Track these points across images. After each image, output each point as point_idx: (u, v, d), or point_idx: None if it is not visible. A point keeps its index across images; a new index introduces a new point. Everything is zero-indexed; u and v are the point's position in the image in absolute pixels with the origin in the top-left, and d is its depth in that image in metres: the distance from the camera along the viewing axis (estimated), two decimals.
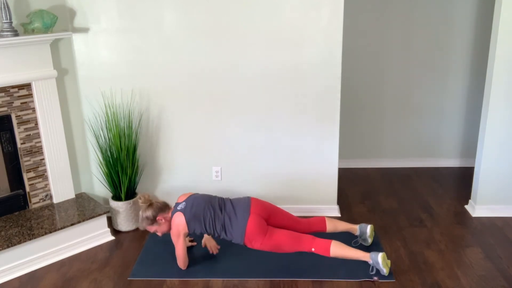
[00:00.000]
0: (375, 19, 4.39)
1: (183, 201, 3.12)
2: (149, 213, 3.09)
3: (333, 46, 3.45)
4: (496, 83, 3.48)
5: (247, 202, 3.07)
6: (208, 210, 3.03)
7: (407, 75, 4.54)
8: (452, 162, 4.80)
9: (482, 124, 3.66)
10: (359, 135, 4.74)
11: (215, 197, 3.17)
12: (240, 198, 3.16)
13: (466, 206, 3.94)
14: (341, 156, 4.44)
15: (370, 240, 3.31)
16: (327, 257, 2.98)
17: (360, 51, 4.47)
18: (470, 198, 3.95)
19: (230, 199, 3.15)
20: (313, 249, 2.96)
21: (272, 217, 3.09)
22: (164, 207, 3.14)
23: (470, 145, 4.71)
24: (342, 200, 4.10)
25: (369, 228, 3.28)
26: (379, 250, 3.27)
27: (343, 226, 3.31)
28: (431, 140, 4.74)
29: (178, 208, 3.08)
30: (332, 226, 3.25)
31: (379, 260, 2.95)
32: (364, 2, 4.35)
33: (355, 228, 3.32)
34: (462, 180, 4.48)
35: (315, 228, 3.22)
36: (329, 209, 3.85)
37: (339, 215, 3.84)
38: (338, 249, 2.96)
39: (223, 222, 3.00)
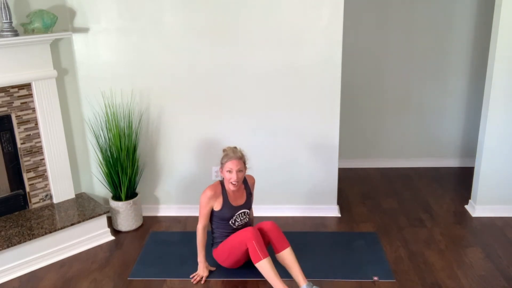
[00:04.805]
0: (375, 19, 4.39)
1: (215, 222, 3.11)
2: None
3: (333, 46, 3.45)
4: (496, 83, 3.48)
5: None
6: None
7: (407, 75, 4.54)
8: (452, 162, 4.80)
9: (482, 124, 3.66)
10: (359, 135, 4.74)
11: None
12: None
13: (466, 206, 3.94)
14: (341, 156, 4.43)
15: None
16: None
17: (360, 51, 4.47)
18: (470, 198, 3.95)
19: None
20: (248, 248, 2.88)
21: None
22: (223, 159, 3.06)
23: (470, 145, 4.71)
24: (342, 200, 4.09)
25: None
26: (380, 250, 3.29)
27: (292, 271, 2.90)
28: (431, 140, 4.74)
29: (215, 212, 3.06)
30: (281, 260, 2.94)
31: None
32: (364, 2, 4.35)
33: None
34: (462, 180, 4.47)
35: (272, 243, 2.98)
36: (329, 209, 3.85)
37: (339, 215, 3.84)
38: (264, 268, 2.81)
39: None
